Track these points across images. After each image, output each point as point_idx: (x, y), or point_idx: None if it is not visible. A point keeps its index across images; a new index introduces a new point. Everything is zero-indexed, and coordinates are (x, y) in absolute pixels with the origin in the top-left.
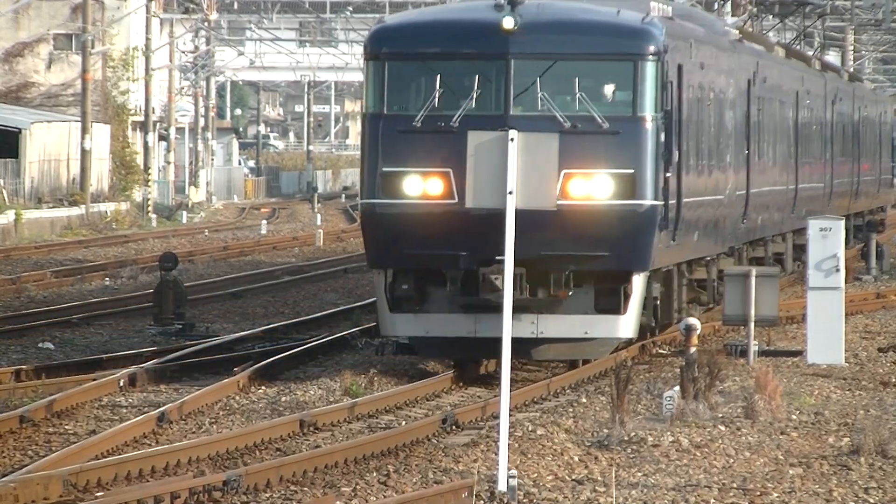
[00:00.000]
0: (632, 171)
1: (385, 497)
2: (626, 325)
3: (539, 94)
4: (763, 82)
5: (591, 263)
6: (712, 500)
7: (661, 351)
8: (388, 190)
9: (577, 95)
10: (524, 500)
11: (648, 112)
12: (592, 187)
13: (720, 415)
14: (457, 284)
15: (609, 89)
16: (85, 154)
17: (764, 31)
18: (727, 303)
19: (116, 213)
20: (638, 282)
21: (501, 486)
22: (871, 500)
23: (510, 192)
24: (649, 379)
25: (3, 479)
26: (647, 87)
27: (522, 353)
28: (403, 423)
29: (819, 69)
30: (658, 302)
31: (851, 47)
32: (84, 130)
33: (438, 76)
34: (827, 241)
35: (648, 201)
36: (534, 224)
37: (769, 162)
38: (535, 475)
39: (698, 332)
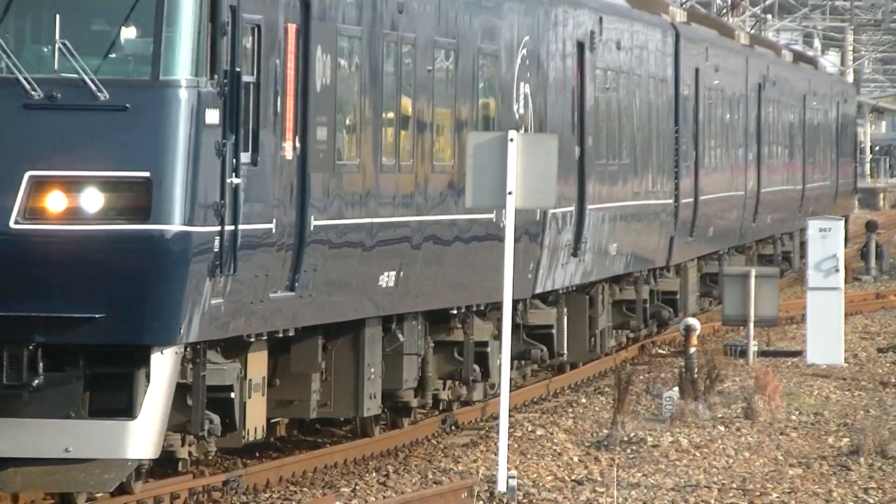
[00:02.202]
0: (146, 173)
1: (385, 497)
2: (141, 436)
3: None
4: (614, 48)
5: (75, 331)
6: (712, 501)
7: (660, 351)
8: None
9: (58, 45)
10: (524, 501)
11: (183, 74)
12: (78, 201)
13: (720, 415)
14: None
15: (120, 35)
16: None
17: (763, 31)
18: (727, 303)
19: None
20: (163, 363)
21: (501, 487)
22: (871, 501)
23: (510, 193)
24: (649, 379)
25: None
26: (182, 33)
27: None
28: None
29: (745, 44)
30: (249, 399)
31: (851, 47)
32: None
33: None
34: (826, 241)
35: (176, 226)
36: None
37: (632, 165)
38: (535, 475)
39: (698, 332)
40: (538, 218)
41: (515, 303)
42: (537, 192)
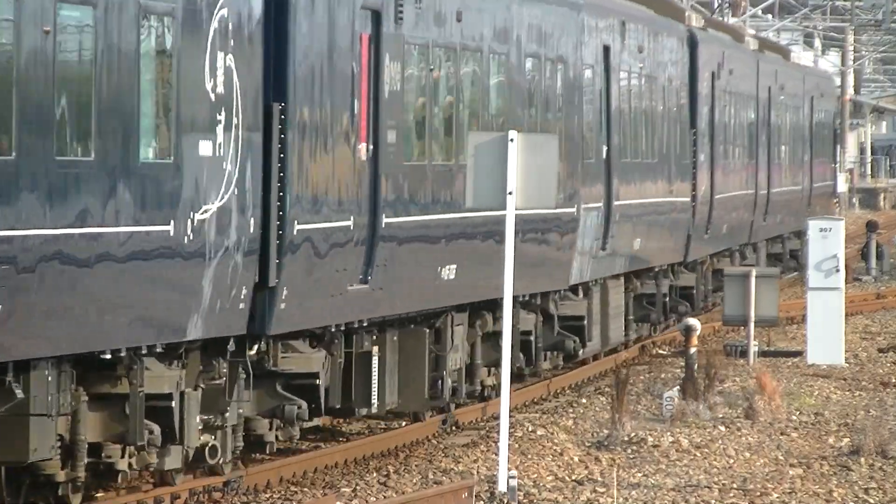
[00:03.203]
0: None
1: (385, 497)
2: None
3: None
4: (449, 19)
5: None
6: (713, 501)
7: (661, 351)
8: None
9: None
10: (524, 501)
11: None
12: None
13: (720, 415)
14: None
15: None
16: None
17: (761, 31)
18: (727, 303)
19: None
20: None
21: (501, 487)
22: (871, 501)
23: (510, 193)
24: (649, 379)
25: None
26: None
27: None
28: (403, 423)
29: (696, 26)
30: None
31: (851, 47)
32: None
33: None
34: (827, 241)
35: None
36: None
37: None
38: (535, 475)
39: (698, 332)
40: (258, 238)
41: (213, 341)
42: (537, 193)
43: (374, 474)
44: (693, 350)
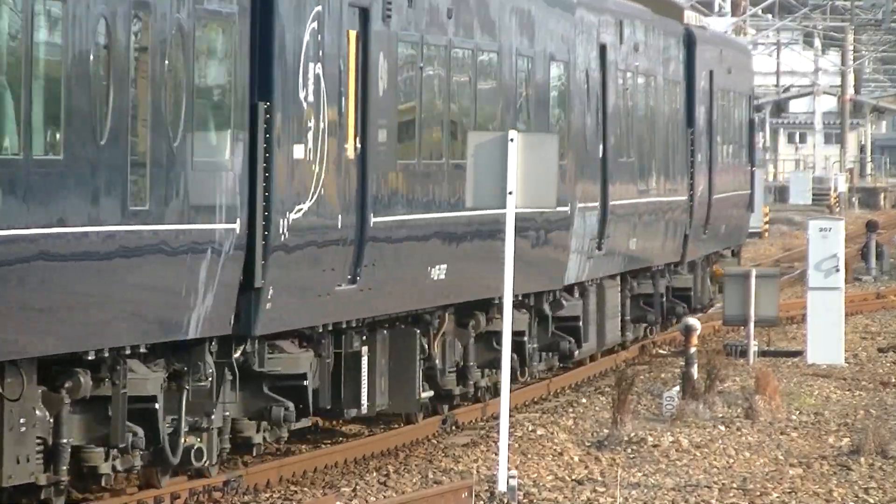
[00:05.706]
0: None
1: (385, 497)
2: None
3: None
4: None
5: None
6: (713, 501)
7: (661, 351)
8: None
9: None
10: (524, 501)
11: None
12: None
13: (720, 415)
14: None
15: None
16: None
17: (761, 30)
18: (727, 303)
19: None
20: None
21: (501, 487)
22: (871, 501)
23: (510, 193)
24: (649, 379)
25: None
26: None
27: None
28: (403, 423)
29: None
30: None
31: (851, 47)
32: None
33: None
34: (827, 241)
35: None
36: None
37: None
38: (536, 475)
39: (698, 332)
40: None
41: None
42: (538, 192)
43: (374, 474)
44: (693, 350)
